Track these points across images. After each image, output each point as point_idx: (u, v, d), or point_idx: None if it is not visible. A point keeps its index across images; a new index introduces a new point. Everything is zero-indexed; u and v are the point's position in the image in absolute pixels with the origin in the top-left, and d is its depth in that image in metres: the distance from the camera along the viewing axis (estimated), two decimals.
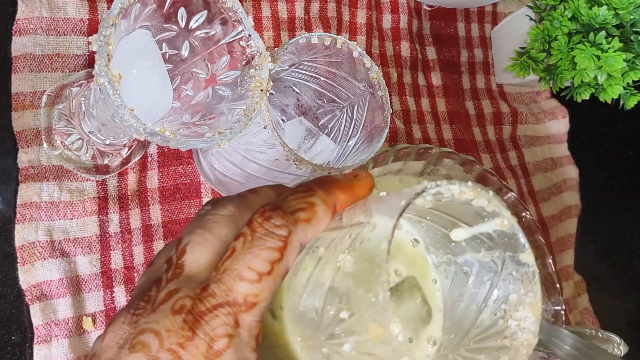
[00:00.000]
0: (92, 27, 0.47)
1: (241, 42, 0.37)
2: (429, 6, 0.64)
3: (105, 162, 0.45)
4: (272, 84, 0.37)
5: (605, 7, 0.51)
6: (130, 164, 0.46)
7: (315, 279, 0.25)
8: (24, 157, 0.43)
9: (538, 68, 0.57)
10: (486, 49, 0.66)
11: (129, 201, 0.46)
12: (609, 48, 0.51)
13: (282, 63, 0.42)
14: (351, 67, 0.42)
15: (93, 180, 0.45)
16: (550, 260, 0.49)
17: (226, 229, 0.26)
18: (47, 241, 0.43)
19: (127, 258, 0.46)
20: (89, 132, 0.43)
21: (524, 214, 0.49)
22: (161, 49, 0.40)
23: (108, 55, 0.31)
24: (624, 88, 0.53)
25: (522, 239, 0.26)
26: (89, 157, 0.44)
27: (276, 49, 0.39)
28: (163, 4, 0.36)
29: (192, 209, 0.48)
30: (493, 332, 0.27)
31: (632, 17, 0.51)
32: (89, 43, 0.47)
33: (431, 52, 0.63)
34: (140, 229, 0.46)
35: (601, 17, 0.51)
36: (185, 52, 0.40)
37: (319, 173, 0.38)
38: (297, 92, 0.47)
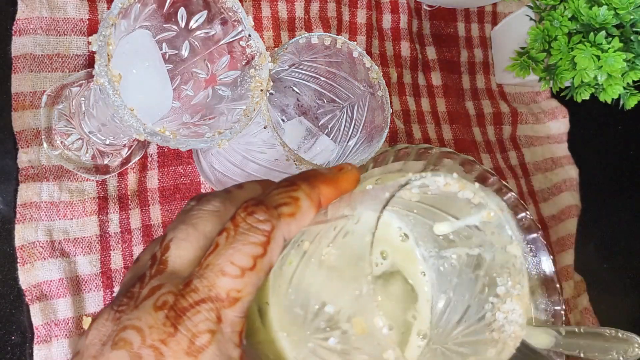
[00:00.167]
0: (92, 27, 0.47)
1: (241, 42, 0.37)
2: (429, 6, 0.64)
3: (105, 162, 0.45)
4: (272, 84, 0.37)
5: (605, 7, 0.51)
6: (130, 164, 0.46)
7: (300, 273, 0.25)
8: (24, 157, 0.43)
9: (538, 68, 0.57)
10: (486, 49, 0.66)
11: (129, 201, 0.46)
12: (609, 48, 0.51)
13: (282, 63, 0.42)
14: (351, 67, 0.42)
15: (93, 180, 0.45)
16: (551, 260, 0.49)
17: (210, 225, 0.26)
18: (47, 241, 0.43)
19: (127, 258, 0.46)
20: (89, 132, 0.43)
21: (524, 214, 0.49)
22: (161, 49, 0.40)
23: (108, 55, 0.31)
24: (624, 88, 0.53)
25: (509, 230, 0.26)
26: (89, 157, 0.44)
27: (276, 49, 0.39)
28: (163, 4, 0.36)
29: None
30: (481, 326, 0.27)
31: (632, 17, 0.51)
32: (89, 43, 0.47)
33: (431, 52, 0.63)
34: (140, 229, 0.46)
35: (601, 17, 0.51)
36: (185, 52, 0.40)
37: None
38: (297, 92, 0.47)
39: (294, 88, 0.47)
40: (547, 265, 0.49)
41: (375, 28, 0.60)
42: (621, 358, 0.42)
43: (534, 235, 0.49)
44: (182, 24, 0.38)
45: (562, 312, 0.48)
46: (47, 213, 0.43)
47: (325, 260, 0.24)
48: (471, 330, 0.27)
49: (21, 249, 0.42)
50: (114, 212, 0.46)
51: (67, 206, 0.44)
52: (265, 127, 0.37)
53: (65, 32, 0.46)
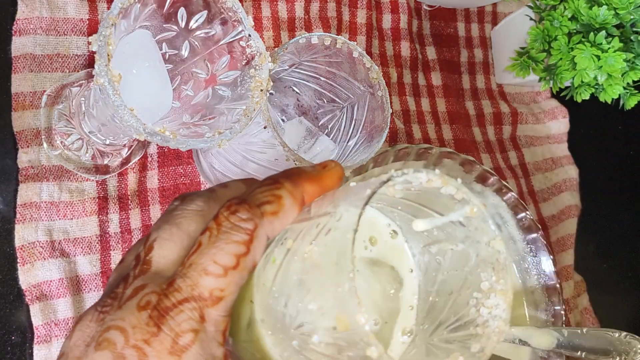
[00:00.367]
0: (92, 27, 0.47)
1: (241, 42, 0.37)
2: (429, 6, 0.64)
3: (105, 162, 0.45)
4: (272, 84, 0.37)
5: (605, 7, 0.51)
6: (130, 164, 0.46)
7: (284, 271, 0.25)
8: (24, 157, 0.43)
9: (538, 68, 0.57)
10: (486, 49, 0.66)
11: (129, 201, 0.46)
12: (609, 48, 0.51)
13: (282, 63, 0.42)
14: (351, 67, 0.42)
15: (93, 180, 0.45)
16: (551, 260, 0.49)
17: (194, 224, 0.26)
18: (47, 241, 0.43)
19: None
20: (89, 132, 0.43)
21: (524, 214, 0.49)
22: (161, 49, 0.40)
23: (108, 55, 0.31)
24: (624, 88, 0.53)
25: (493, 225, 0.26)
26: (89, 157, 0.44)
27: (276, 49, 0.39)
28: (163, 4, 0.36)
29: None
30: (466, 321, 0.27)
31: (632, 17, 0.51)
32: (89, 43, 0.47)
33: (431, 52, 0.63)
34: (140, 229, 0.46)
35: (601, 17, 0.51)
36: (185, 52, 0.40)
37: None
38: (297, 92, 0.47)
39: (294, 88, 0.47)
40: (547, 265, 0.49)
41: (375, 28, 0.60)
42: None
43: (534, 235, 0.49)
44: (182, 24, 0.38)
45: (562, 312, 0.48)
46: (47, 213, 0.43)
47: (308, 258, 0.24)
48: (456, 326, 0.27)
49: (21, 249, 0.42)
50: (114, 212, 0.46)
51: (67, 206, 0.44)
52: (265, 127, 0.37)
53: (65, 32, 0.46)
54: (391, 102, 0.57)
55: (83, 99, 0.43)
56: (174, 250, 0.25)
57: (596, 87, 0.54)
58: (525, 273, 0.49)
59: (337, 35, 0.40)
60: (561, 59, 0.54)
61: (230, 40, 0.37)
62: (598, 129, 0.70)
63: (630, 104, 0.56)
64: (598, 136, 0.70)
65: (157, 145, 0.48)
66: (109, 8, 0.48)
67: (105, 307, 0.24)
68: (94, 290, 0.44)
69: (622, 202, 0.69)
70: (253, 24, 0.37)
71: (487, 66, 0.66)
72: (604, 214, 0.67)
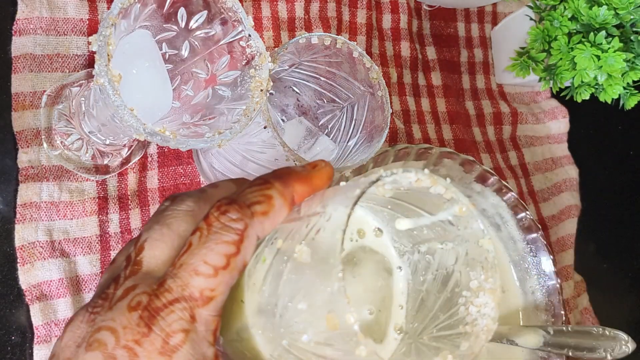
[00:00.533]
0: (92, 27, 0.47)
1: (241, 42, 0.37)
2: (429, 6, 0.64)
3: (105, 162, 0.45)
4: (272, 84, 0.37)
5: (605, 7, 0.51)
6: (130, 164, 0.46)
7: (274, 271, 0.25)
8: (24, 157, 0.43)
9: (538, 68, 0.57)
10: (486, 49, 0.66)
11: (129, 201, 0.46)
12: (609, 48, 0.51)
13: (282, 63, 0.42)
14: (351, 67, 0.42)
15: (93, 180, 0.45)
16: (551, 260, 0.49)
17: (184, 225, 0.26)
18: (47, 241, 0.43)
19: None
20: (89, 132, 0.43)
21: (524, 214, 0.49)
22: (161, 49, 0.40)
23: (108, 55, 0.31)
24: (624, 88, 0.53)
25: (482, 224, 0.26)
26: (89, 157, 0.44)
27: (276, 49, 0.39)
28: (163, 4, 0.36)
29: None
30: (455, 320, 0.27)
31: (632, 17, 0.51)
32: (89, 43, 0.47)
33: (431, 52, 0.63)
34: (140, 229, 0.46)
35: (601, 17, 0.51)
36: (185, 52, 0.40)
37: None
38: (297, 92, 0.47)
39: (294, 88, 0.47)
40: (547, 265, 0.49)
41: (375, 28, 0.60)
42: (609, 356, 0.42)
43: (534, 235, 0.49)
44: (182, 24, 0.38)
45: (562, 312, 0.48)
46: (47, 213, 0.43)
47: (297, 258, 0.24)
48: (445, 324, 0.28)
49: (21, 249, 0.42)
50: (114, 212, 0.46)
51: (67, 206, 0.44)
52: (265, 127, 0.37)
53: (65, 32, 0.46)
54: (391, 102, 0.57)
55: (83, 99, 0.43)
56: (165, 251, 0.25)
57: (596, 87, 0.54)
58: (525, 273, 0.49)
59: (337, 35, 0.40)
60: (561, 59, 0.54)
61: (230, 40, 0.37)
62: (598, 129, 0.70)
63: (630, 104, 0.56)
64: (598, 136, 0.70)
65: (157, 145, 0.48)
66: (109, 8, 0.48)
67: (96, 307, 0.24)
68: (94, 291, 0.44)
69: (622, 202, 0.69)
70: (253, 24, 0.37)
71: (487, 66, 0.66)
72: (604, 214, 0.67)
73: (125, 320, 0.23)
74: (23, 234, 0.42)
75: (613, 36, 0.51)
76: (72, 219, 0.44)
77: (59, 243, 0.43)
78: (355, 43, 0.41)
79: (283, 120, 0.49)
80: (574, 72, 0.53)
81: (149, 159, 0.48)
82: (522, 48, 0.59)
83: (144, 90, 0.39)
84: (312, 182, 0.27)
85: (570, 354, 0.41)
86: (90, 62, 0.47)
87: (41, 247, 0.42)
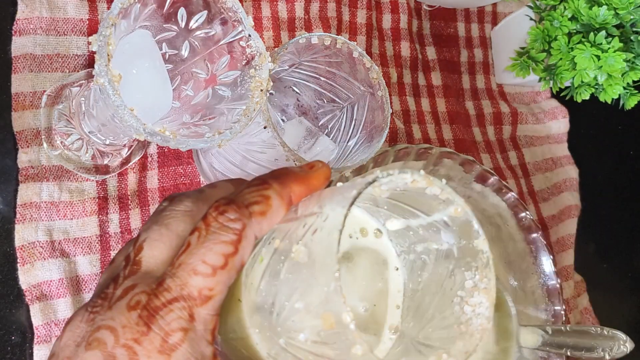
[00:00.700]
0: (92, 27, 0.47)
1: (241, 42, 0.37)
2: (429, 6, 0.64)
3: (105, 162, 0.45)
4: (272, 84, 0.37)
5: (605, 7, 0.51)
6: (130, 164, 0.46)
7: (271, 270, 0.25)
8: (24, 157, 0.43)
9: (538, 68, 0.57)
10: (486, 49, 0.66)
11: (129, 201, 0.46)
12: (609, 48, 0.51)
13: (282, 63, 0.42)
14: (351, 67, 0.42)
15: (93, 180, 0.45)
16: (551, 260, 0.49)
17: (183, 225, 0.26)
18: (47, 241, 0.43)
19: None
20: (89, 132, 0.43)
21: (523, 214, 0.49)
22: (161, 49, 0.40)
23: (108, 55, 0.31)
24: (624, 88, 0.53)
25: (476, 225, 0.26)
26: (89, 157, 0.44)
27: (276, 49, 0.39)
28: (163, 4, 0.36)
29: None
30: (450, 319, 0.27)
31: (632, 17, 0.51)
32: (89, 43, 0.47)
33: (431, 52, 0.63)
34: (140, 229, 0.46)
35: (601, 17, 0.51)
36: (185, 52, 0.40)
37: None
38: (297, 92, 0.47)
39: (294, 88, 0.47)
40: (547, 265, 0.49)
41: (375, 28, 0.60)
42: (607, 355, 0.42)
43: (534, 235, 0.49)
44: (182, 24, 0.38)
45: (562, 312, 0.48)
46: (47, 213, 0.43)
47: (295, 257, 0.24)
48: (440, 324, 0.28)
49: (21, 249, 0.42)
50: (114, 212, 0.46)
51: (67, 206, 0.44)
52: (265, 127, 0.37)
53: (65, 32, 0.46)
54: (391, 102, 0.57)
55: (83, 99, 0.43)
56: (164, 251, 0.25)
57: (596, 87, 0.54)
58: (525, 273, 0.49)
59: (337, 35, 0.40)
60: (561, 59, 0.54)
61: (230, 40, 0.37)
62: (598, 129, 0.70)
63: (630, 104, 0.56)
64: (598, 136, 0.70)
65: (157, 145, 0.48)
66: (109, 8, 0.48)
67: (95, 307, 0.24)
68: (94, 291, 0.44)
69: (622, 202, 0.69)
70: (253, 24, 0.37)
71: (487, 66, 0.66)
72: (604, 214, 0.67)
73: (124, 319, 0.23)
74: (23, 234, 0.42)
75: (613, 36, 0.51)
76: (72, 219, 0.44)
77: (59, 243, 0.43)
78: (355, 43, 0.41)
79: (283, 120, 0.49)
80: (574, 72, 0.53)
81: (149, 159, 0.48)
82: (522, 48, 0.59)
83: (144, 90, 0.39)
84: (310, 182, 0.28)
85: (569, 353, 0.41)
86: (90, 62, 0.47)
87: (41, 247, 0.42)
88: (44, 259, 0.42)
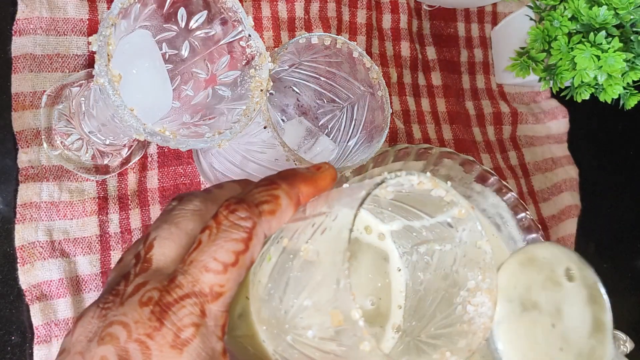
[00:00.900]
0: (92, 27, 0.47)
1: (241, 42, 0.37)
2: (429, 6, 0.64)
3: (105, 162, 0.45)
4: (272, 84, 0.37)
5: (605, 7, 0.51)
6: (130, 164, 0.46)
7: (279, 268, 0.26)
8: (24, 157, 0.43)
9: (538, 68, 0.57)
10: (486, 49, 0.66)
11: (129, 201, 0.46)
12: (609, 48, 0.51)
13: (282, 63, 0.42)
14: (351, 67, 0.42)
15: (93, 180, 0.45)
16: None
17: (192, 224, 0.26)
18: (47, 241, 0.43)
19: None
20: (89, 132, 0.43)
21: (524, 214, 0.49)
22: (161, 49, 0.40)
23: (108, 55, 0.31)
24: (624, 88, 0.53)
25: (479, 226, 0.27)
26: (89, 157, 0.45)
27: (276, 49, 0.39)
28: (163, 4, 0.36)
29: None
30: (452, 318, 0.28)
31: (632, 17, 0.51)
32: (89, 43, 0.47)
33: (431, 52, 0.63)
34: (140, 229, 0.46)
35: (601, 17, 0.51)
36: (185, 52, 0.40)
37: None
38: (297, 92, 0.47)
39: (294, 88, 0.47)
40: None
41: (375, 28, 0.60)
42: None
43: (534, 235, 0.49)
44: (182, 24, 0.38)
45: None
46: (47, 213, 0.43)
47: (304, 256, 0.25)
48: (443, 322, 0.28)
49: (21, 249, 0.42)
50: (114, 212, 0.46)
51: (67, 206, 0.44)
52: (265, 127, 0.37)
53: (65, 32, 0.46)
54: (391, 102, 0.57)
55: (83, 99, 0.43)
56: (173, 249, 0.26)
57: (596, 87, 0.54)
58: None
59: (337, 35, 0.40)
60: (561, 59, 0.54)
61: (230, 40, 0.37)
62: (598, 129, 0.70)
63: (630, 104, 0.56)
64: (598, 136, 0.70)
65: (157, 145, 0.48)
66: (109, 8, 0.48)
67: (107, 303, 0.25)
68: (94, 290, 0.44)
69: (622, 202, 0.69)
70: (253, 24, 0.37)
71: (487, 66, 0.66)
72: (604, 214, 0.67)
73: (136, 315, 0.23)
74: (23, 234, 0.42)
75: (613, 36, 0.51)
76: (72, 219, 0.44)
77: (59, 243, 0.43)
78: (355, 43, 0.41)
79: (283, 120, 0.49)
80: (574, 72, 0.53)
81: (149, 159, 0.48)
82: (522, 48, 0.59)
83: (144, 90, 0.39)
84: (317, 183, 0.28)
85: None
86: (90, 62, 0.47)
87: (41, 247, 0.42)
88: (44, 259, 0.42)
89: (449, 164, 0.49)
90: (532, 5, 0.58)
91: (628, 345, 0.41)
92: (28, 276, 0.42)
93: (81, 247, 0.44)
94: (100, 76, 0.31)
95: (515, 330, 0.27)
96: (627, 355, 0.42)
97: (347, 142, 0.46)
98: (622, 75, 0.52)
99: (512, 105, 0.65)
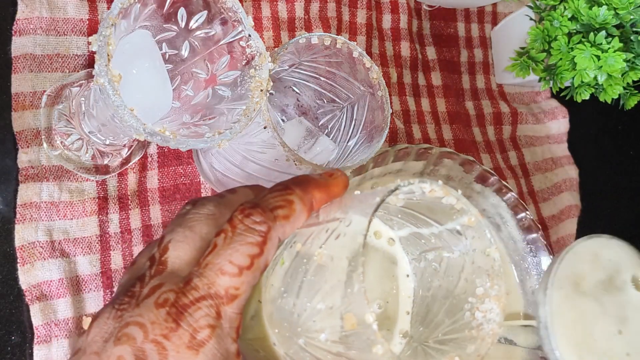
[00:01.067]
0: (92, 27, 0.47)
1: (241, 42, 0.37)
2: (429, 6, 0.64)
3: (105, 162, 0.45)
4: (272, 84, 0.37)
5: (605, 7, 0.51)
6: (130, 164, 0.46)
7: (292, 272, 0.26)
8: (24, 157, 0.43)
9: (538, 68, 0.57)
10: (486, 49, 0.66)
11: (129, 201, 0.46)
12: (609, 48, 0.51)
13: (282, 63, 0.42)
14: (351, 67, 0.42)
15: (93, 180, 0.45)
16: (551, 260, 0.49)
17: (206, 227, 0.27)
18: (47, 241, 0.43)
19: (127, 258, 0.46)
20: (89, 132, 0.43)
21: (523, 214, 0.49)
22: (161, 49, 0.40)
23: (108, 55, 0.31)
24: (624, 88, 0.53)
25: (489, 234, 0.27)
26: (89, 157, 0.45)
27: (276, 49, 0.39)
28: (163, 4, 0.36)
29: None
30: (460, 324, 0.28)
31: (632, 17, 0.51)
32: (89, 43, 0.47)
33: (431, 52, 0.63)
34: (140, 229, 0.46)
35: (601, 17, 0.51)
36: (185, 52, 0.40)
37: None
38: (297, 92, 0.47)
39: (294, 88, 0.47)
40: (547, 265, 0.49)
41: (375, 28, 0.60)
42: None
43: (534, 235, 0.49)
44: (182, 24, 0.38)
45: None
46: (47, 213, 0.43)
47: (317, 260, 0.25)
48: (451, 328, 0.29)
49: (21, 249, 0.42)
50: (114, 212, 0.46)
51: (67, 206, 0.44)
52: (265, 127, 0.37)
53: (65, 32, 0.46)
54: (391, 102, 0.57)
55: (83, 99, 0.43)
56: (188, 252, 0.26)
57: (596, 87, 0.54)
58: (525, 273, 0.49)
59: (337, 35, 0.40)
60: (561, 59, 0.54)
61: (230, 40, 0.37)
62: (598, 129, 0.70)
63: (630, 104, 0.56)
64: (598, 136, 0.70)
65: (157, 145, 0.48)
66: (109, 8, 0.48)
67: (122, 305, 0.25)
68: (94, 291, 0.44)
69: (622, 202, 0.69)
70: (253, 24, 0.37)
71: (487, 66, 0.66)
72: (604, 214, 0.67)
73: (153, 316, 0.24)
74: (23, 234, 0.42)
75: (613, 36, 0.51)
76: (72, 219, 0.44)
77: (59, 243, 0.43)
78: (355, 43, 0.41)
79: (283, 120, 0.49)
80: (574, 72, 0.53)
81: (149, 159, 0.48)
82: (522, 48, 0.59)
83: (144, 90, 0.39)
84: (330, 190, 0.29)
85: None
86: (90, 62, 0.47)
87: (41, 247, 0.42)
88: (44, 259, 0.42)
89: (449, 164, 0.49)
90: (532, 5, 0.58)
91: None
92: (28, 276, 0.42)
93: (81, 247, 0.44)
94: (100, 76, 0.31)
95: (573, 323, 0.28)
96: None
97: (347, 142, 0.46)
98: (622, 75, 0.52)
99: (512, 105, 0.65)
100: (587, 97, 0.55)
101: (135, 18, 0.36)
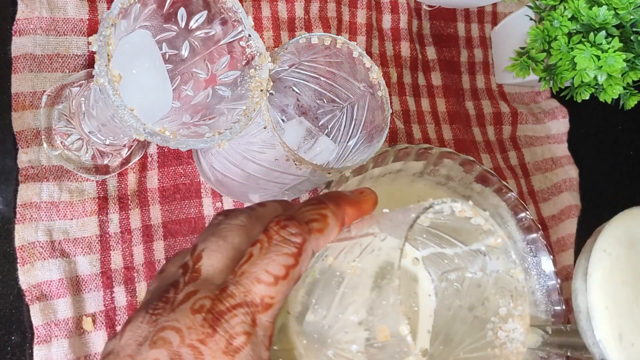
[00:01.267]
0: (92, 27, 0.47)
1: (241, 42, 0.37)
2: (429, 6, 0.64)
3: (105, 162, 0.45)
4: (272, 84, 0.37)
5: (605, 7, 0.51)
6: (130, 164, 0.46)
7: (324, 285, 0.27)
8: (24, 157, 0.43)
9: (538, 68, 0.57)
10: (486, 49, 0.66)
11: (129, 201, 0.46)
12: (609, 48, 0.51)
13: (282, 63, 0.42)
14: (351, 67, 0.42)
15: (93, 180, 0.45)
16: (551, 260, 0.49)
17: (238, 238, 0.28)
18: (47, 241, 0.43)
19: (127, 258, 0.46)
20: (89, 132, 0.43)
21: (524, 214, 0.49)
22: (161, 49, 0.40)
23: (108, 55, 0.31)
24: (624, 88, 0.53)
25: (514, 255, 0.28)
26: (89, 157, 0.45)
27: (276, 49, 0.39)
28: (163, 4, 0.36)
29: (192, 209, 0.48)
30: (482, 343, 0.29)
31: (632, 17, 0.51)
32: (89, 43, 0.47)
33: (431, 52, 0.63)
34: (140, 229, 0.46)
35: (601, 17, 0.51)
36: (185, 52, 0.40)
37: (319, 173, 0.39)
38: (297, 92, 0.47)
39: (294, 88, 0.47)
40: (547, 265, 0.49)
41: (375, 28, 0.60)
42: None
43: (534, 235, 0.49)
44: (182, 24, 0.38)
45: (562, 312, 0.48)
46: (47, 213, 0.43)
47: (351, 273, 0.26)
48: (472, 347, 0.29)
49: (21, 249, 0.42)
50: (114, 212, 0.46)
51: (67, 206, 0.44)
52: (265, 127, 0.37)
53: (65, 32, 0.46)
54: (391, 102, 0.57)
55: (83, 99, 0.43)
56: (221, 260, 0.27)
57: (596, 87, 0.54)
58: (525, 273, 0.49)
59: (337, 35, 0.40)
60: (561, 59, 0.54)
61: (230, 40, 0.37)
62: (598, 129, 0.70)
63: (630, 104, 0.56)
64: (598, 136, 0.70)
65: (157, 145, 0.48)
66: (109, 8, 0.48)
67: (157, 309, 0.25)
68: (94, 291, 0.44)
69: (622, 202, 0.69)
70: (253, 24, 0.37)
71: (487, 66, 0.66)
72: (604, 214, 0.67)
73: (189, 321, 0.24)
74: (23, 234, 0.42)
75: (613, 36, 0.51)
76: (72, 219, 0.44)
77: (59, 243, 0.43)
78: (355, 43, 0.41)
79: (283, 120, 0.49)
80: (574, 72, 0.53)
81: (149, 159, 0.48)
82: (522, 48, 0.59)
83: (144, 90, 0.39)
84: (361, 206, 0.30)
85: (569, 353, 0.41)
86: (90, 62, 0.47)
87: (41, 247, 0.42)
88: (44, 259, 0.42)
89: (449, 164, 0.49)
90: (532, 5, 0.58)
91: None
92: (28, 276, 0.42)
93: (81, 247, 0.44)
94: (100, 76, 0.31)
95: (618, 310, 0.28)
96: None
97: (347, 142, 0.46)
98: (622, 75, 0.52)
99: (512, 105, 0.65)
100: (587, 97, 0.55)
101: (135, 18, 0.36)
